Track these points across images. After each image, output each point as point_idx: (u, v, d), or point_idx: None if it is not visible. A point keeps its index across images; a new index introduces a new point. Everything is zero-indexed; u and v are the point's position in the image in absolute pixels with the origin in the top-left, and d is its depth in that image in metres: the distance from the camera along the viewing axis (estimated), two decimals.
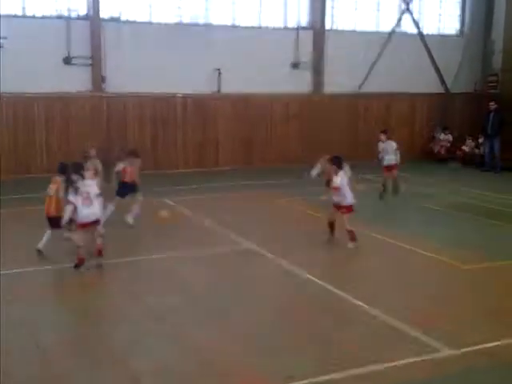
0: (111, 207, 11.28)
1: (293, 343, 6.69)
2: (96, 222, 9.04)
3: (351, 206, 10.34)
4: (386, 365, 6.10)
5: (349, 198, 10.32)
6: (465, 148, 21.24)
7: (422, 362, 6.20)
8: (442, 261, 9.72)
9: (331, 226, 10.56)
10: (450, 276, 9.22)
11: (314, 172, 12.75)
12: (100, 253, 9.06)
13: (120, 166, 11.69)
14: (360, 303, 7.78)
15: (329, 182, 11.84)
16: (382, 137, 14.98)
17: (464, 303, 7.99)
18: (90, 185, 8.98)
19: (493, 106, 20.02)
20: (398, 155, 14.74)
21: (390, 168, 14.67)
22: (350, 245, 10.22)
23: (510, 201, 14.57)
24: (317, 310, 7.76)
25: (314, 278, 8.78)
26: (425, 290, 8.50)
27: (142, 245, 10.75)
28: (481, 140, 20.79)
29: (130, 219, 11.58)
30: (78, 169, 9.17)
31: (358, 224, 10.67)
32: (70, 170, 9.20)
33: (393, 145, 14.79)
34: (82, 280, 8.75)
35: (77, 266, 8.86)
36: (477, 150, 21.00)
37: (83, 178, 8.98)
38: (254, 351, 6.48)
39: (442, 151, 21.74)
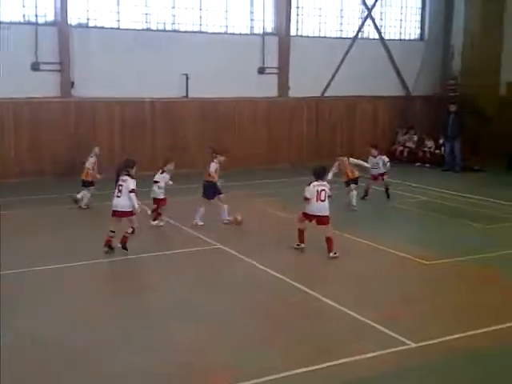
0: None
1: (266, 340, 7.02)
2: (123, 214, 10.13)
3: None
4: (353, 358, 6.48)
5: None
6: (426, 149, 21.99)
7: (387, 355, 6.59)
8: (408, 258, 10.20)
9: (302, 234, 10.53)
10: (414, 273, 9.69)
11: (330, 175, 12.87)
12: (122, 241, 10.15)
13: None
14: (329, 301, 8.16)
15: (348, 182, 13.67)
16: (373, 151, 15.24)
17: (427, 298, 8.46)
18: (126, 180, 10.11)
19: (453, 108, 20.77)
20: (388, 165, 15.17)
21: (377, 176, 15.08)
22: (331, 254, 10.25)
23: (469, 199, 15.26)
24: (288, 308, 8.10)
25: (284, 278, 9.14)
26: (390, 287, 8.97)
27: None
28: (441, 141, 21.54)
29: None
30: (127, 165, 10.38)
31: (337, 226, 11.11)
32: (121, 165, 10.39)
33: (385, 160, 15.11)
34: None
35: (105, 246, 10.12)
36: (437, 151, 21.76)
37: (128, 173, 10.19)
38: (229, 349, 6.77)
39: (405, 152, 22.41)
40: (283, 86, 20.99)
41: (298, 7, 21.31)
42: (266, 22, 20.67)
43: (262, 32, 20.62)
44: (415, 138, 22.56)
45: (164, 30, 19.36)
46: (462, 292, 8.74)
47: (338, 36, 22.13)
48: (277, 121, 20.98)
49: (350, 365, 6.38)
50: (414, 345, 6.83)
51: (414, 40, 23.77)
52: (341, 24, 22.23)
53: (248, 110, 20.56)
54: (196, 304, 8.15)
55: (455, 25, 23.09)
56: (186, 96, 19.43)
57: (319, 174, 10.32)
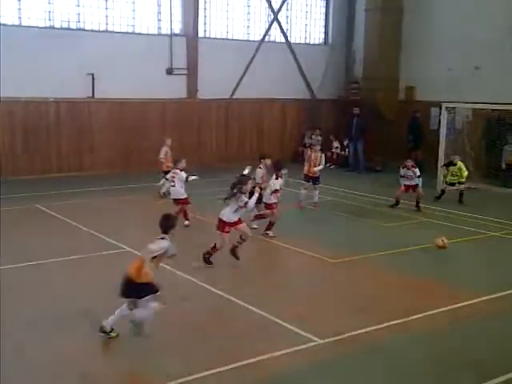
0: None
1: (174, 343, 7.05)
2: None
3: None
4: (262, 357, 6.64)
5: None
6: (333, 150, 22.76)
7: (295, 353, 6.82)
8: (314, 257, 10.55)
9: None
10: (320, 271, 10.06)
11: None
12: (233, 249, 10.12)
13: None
14: (237, 300, 8.32)
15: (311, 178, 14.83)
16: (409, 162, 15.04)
17: (334, 296, 8.82)
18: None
19: (356, 111, 21.59)
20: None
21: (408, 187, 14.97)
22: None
23: (372, 199, 15.96)
24: (197, 309, 8.17)
25: (194, 280, 9.21)
26: (298, 286, 9.27)
27: (12, 252, 10.47)
28: (345, 143, 22.34)
29: None
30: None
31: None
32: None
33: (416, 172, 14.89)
34: None
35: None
36: (342, 152, 22.55)
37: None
38: (135, 353, 6.74)
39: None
40: (192, 87, 21.02)
41: (205, 9, 21.41)
42: (173, 22, 20.61)
43: (169, 33, 20.54)
44: (320, 138, 23.20)
45: (68, 29, 18.86)
46: (366, 288, 9.15)
47: (246, 38, 22.45)
48: (186, 122, 20.98)
49: (259, 364, 6.52)
50: (320, 341, 7.10)
51: (318, 44, 24.50)
52: (248, 27, 22.55)
53: (156, 111, 20.41)
54: (102, 309, 7.97)
55: (357, 30, 24.03)
56: (92, 96, 19.04)
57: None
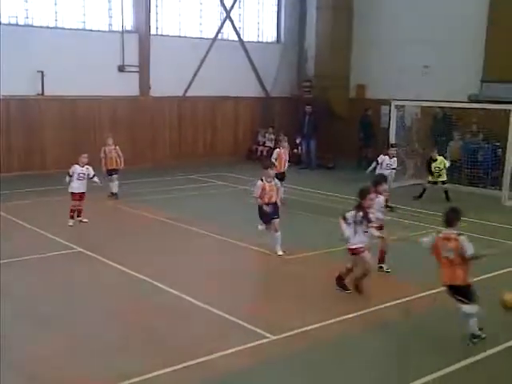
0: None
1: (126, 343, 7.03)
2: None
3: None
4: (215, 355, 6.67)
5: None
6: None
7: (247, 350, 6.88)
8: (267, 254, 10.64)
9: None
10: (274, 268, 10.16)
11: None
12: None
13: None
14: (193, 300, 8.33)
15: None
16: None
17: (286, 292, 8.91)
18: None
19: (309, 109, 21.82)
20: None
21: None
22: None
23: (325, 196, 16.21)
24: (150, 309, 8.15)
25: (146, 278, 9.17)
26: (252, 282, 9.38)
27: None
28: (298, 140, 22.54)
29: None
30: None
31: (187, 222, 11.27)
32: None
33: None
34: None
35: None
36: (295, 150, 22.71)
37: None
38: (85, 355, 6.69)
39: (265, 152, 23.16)
40: (144, 84, 20.86)
41: (157, 6, 21.27)
42: (125, 19, 20.38)
43: (121, 29, 20.32)
44: (272, 137, 23.39)
45: (16, 25, 18.46)
46: (318, 284, 9.28)
47: (199, 36, 22.40)
48: (139, 120, 20.82)
49: (210, 363, 6.54)
50: (273, 337, 7.17)
51: (271, 42, 24.64)
52: (200, 24, 22.51)
53: (108, 108, 20.17)
54: (51, 311, 7.96)
55: (308, 29, 24.26)
56: (42, 94, 18.69)
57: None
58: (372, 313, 8.09)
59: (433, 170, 15.99)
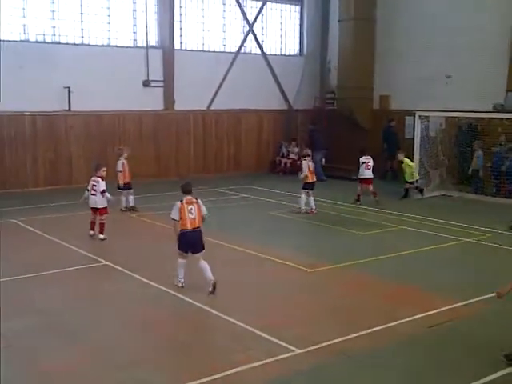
0: None
1: (151, 356, 7.05)
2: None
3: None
4: (241, 368, 6.66)
5: None
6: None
7: (273, 363, 6.84)
8: (290, 266, 10.64)
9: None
10: (297, 280, 10.14)
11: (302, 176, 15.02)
12: None
13: None
14: (217, 312, 8.35)
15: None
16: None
17: (311, 304, 8.89)
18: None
19: (311, 127, 22.54)
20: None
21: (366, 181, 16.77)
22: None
23: (342, 207, 16.16)
24: (175, 321, 8.21)
25: (170, 291, 9.23)
26: (276, 295, 9.34)
27: None
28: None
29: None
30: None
31: (212, 235, 11.28)
32: None
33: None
34: None
35: None
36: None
37: None
38: (111, 368, 6.74)
39: (288, 164, 23.20)
40: (169, 99, 21.10)
41: (181, 21, 21.54)
42: (149, 35, 20.68)
43: (145, 45, 20.61)
44: (296, 150, 23.44)
45: (44, 42, 18.84)
46: (342, 297, 9.25)
47: (222, 50, 22.61)
48: (163, 134, 21.06)
49: (237, 376, 6.54)
50: (299, 350, 7.14)
51: (293, 55, 24.74)
52: (224, 38, 22.73)
53: (133, 123, 20.45)
54: (77, 324, 8.05)
55: (331, 41, 24.31)
56: (69, 109, 19.01)
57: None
58: (399, 325, 8.01)
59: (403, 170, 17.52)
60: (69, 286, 9.74)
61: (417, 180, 17.58)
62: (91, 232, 12.52)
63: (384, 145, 21.59)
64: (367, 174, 16.74)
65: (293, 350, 7.15)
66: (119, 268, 10.44)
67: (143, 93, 20.50)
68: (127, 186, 15.14)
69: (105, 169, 12.58)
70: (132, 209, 15.19)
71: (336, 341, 7.44)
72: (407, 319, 8.17)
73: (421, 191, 17.64)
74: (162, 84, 20.90)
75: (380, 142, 21.63)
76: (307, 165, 15.20)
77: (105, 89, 19.21)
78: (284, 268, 10.68)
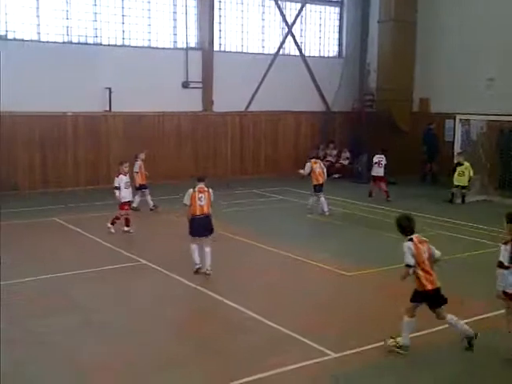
0: None
1: (187, 356, 7.12)
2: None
3: None
4: (275, 371, 6.67)
5: None
6: (343, 162, 22.84)
7: (309, 366, 6.85)
8: (329, 270, 10.59)
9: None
10: (335, 284, 10.10)
11: (306, 172, 15.37)
12: None
13: None
14: (250, 313, 8.39)
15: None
16: None
17: (348, 309, 8.84)
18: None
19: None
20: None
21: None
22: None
23: (383, 210, 16.00)
24: (212, 323, 8.26)
25: (208, 292, 9.29)
26: (313, 298, 9.30)
27: (31, 265, 10.70)
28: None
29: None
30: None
31: (250, 237, 11.37)
32: None
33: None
34: None
35: None
36: (350, 165, 22.69)
37: None
38: (148, 368, 6.81)
39: (326, 166, 23.05)
40: (207, 100, 21.24)
41: (220, 23, 21.66)
42: (189, 36, 20.86)
43: (185, 46, 20.79)
44: (334, 152, 23.35)
45: (86, 43, 19.19)
46: (381, 302, 9.17)
47: (260, 52, 22.65)
48: (201, 135, 21.21)
49: (272, 378, 6.55)
50: (334, 355, 7.11)
51: (332, 57, 24.63)
52: (263, 40, 22.77)
53: (172, 124, 20.65)
54: (116, 323, 8.16)
55: (370, 42, 24.11)
56: (109, 110, 19.31)
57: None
58: (436, 332, 7.87)
59: (457, 172, 17.03)
60: (107, 284, 9.90)
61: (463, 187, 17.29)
62: (113, 229, 12.95)
63: (423, 147, 21.31)
64: (379, 171, 17.44)
65: (328, 354, 7.12)
66: (158, 268, 10.55)
67: (182, 94, 20.68)
68: (143, 187, 15.38)
69: (127, 165, 13.27)
70: (154, 207, 15.44)
71: (370, 347, 7.36)
72: (446, 325, 8.02)
73: (463, 196, 17.34)
74: (200, 85, 21.05)
75: (419, 145, 21.36)
76: (310, 166, 15.42)
77: (145, 90, 19.44)
78: (323, 271, 10.63)
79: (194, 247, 10.13)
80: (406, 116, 22.76)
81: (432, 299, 7.20)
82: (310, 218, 15.11)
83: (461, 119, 18.01)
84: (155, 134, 20.27)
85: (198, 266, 10.09)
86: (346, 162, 22.90)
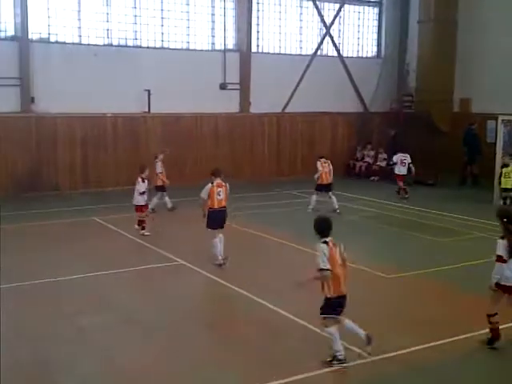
0: None
1: (223, 358, 7.15)
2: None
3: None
4: (314, 373, 6.66)
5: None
6: (380, 163, 22.59)
7: (345, 369, 6.79)
8: (367, 272, 10.47)
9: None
10: (374, 286, 9.99)
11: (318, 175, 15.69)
12: None
13: None
14: (290, 315, 8.37)
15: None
16: None
17: (388, 311, 8.76)
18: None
19: (392, 133, 22.35)
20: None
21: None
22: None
23: (423, 213, 15.76)
24: (248, 323, 8.27)
25: (244, 292, 9.32)
26: (352, 301, 9.19)
27: (66, 264, 10.88)
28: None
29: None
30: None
31: (287, 238, 11.33)
32: None
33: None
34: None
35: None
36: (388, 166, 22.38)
37: None
38: (183, 367, 6.86)
39: (363, 167, 22.92)
40: (245, 101, 21.31)
41: (258, 24, 21.70)
42: (227, 38, 20.97)
43: (223, 48, 20.90)
44: (372, 153, 23.13)
45: (126, 46, 19.48)
46: (419, 305, 9.03)
47: (298, 53, 22.61)
48: (238, 136, 21.28)
49: (308, 381, 6.53)
50: (370, 358, 7.03)
51: (371, 58, 24.41)
52: (300, 41, 22.72)
53: (210, 125, 20.77)
54: (153, 322, 8.24)
55: (410, 42, 23.81)
56: (148, 111, 19.53)
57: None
58: (470, 338, 7.72)
59: (504, 174, 16.32)
60: (145, 283, 10.04)
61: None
62: (136, 226, 13.14)
63: (464, 148, 20.89)
64: (402, 170, 17.81)
65: (365, 357, 7.05)
66: (194, 268, 10.63)
67: (220, 95, 20.79)
68: (161, 188, 15.39)
69: (147, 171, 13.53)
70: (172, 209, 15.51)
71: (407, 350, 7.28)
72: (481, 331, 7.83)
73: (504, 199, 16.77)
74: (238, 87, 21.13)
75: (460, 147, 20.97)
76: (321, 165, 15.72)
77: (183, 91, 19.61)
78: (361, 273, 10.49)
79: (217, 241, 10.60)
80: (446, 117, 22.37)
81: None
82: (349, 219, 14.99)
83: (503, 120, 17.63)
84: (193, 135, 20.43)
85: (220, 259, 10.54)
86: (383, 164, 22.62)
